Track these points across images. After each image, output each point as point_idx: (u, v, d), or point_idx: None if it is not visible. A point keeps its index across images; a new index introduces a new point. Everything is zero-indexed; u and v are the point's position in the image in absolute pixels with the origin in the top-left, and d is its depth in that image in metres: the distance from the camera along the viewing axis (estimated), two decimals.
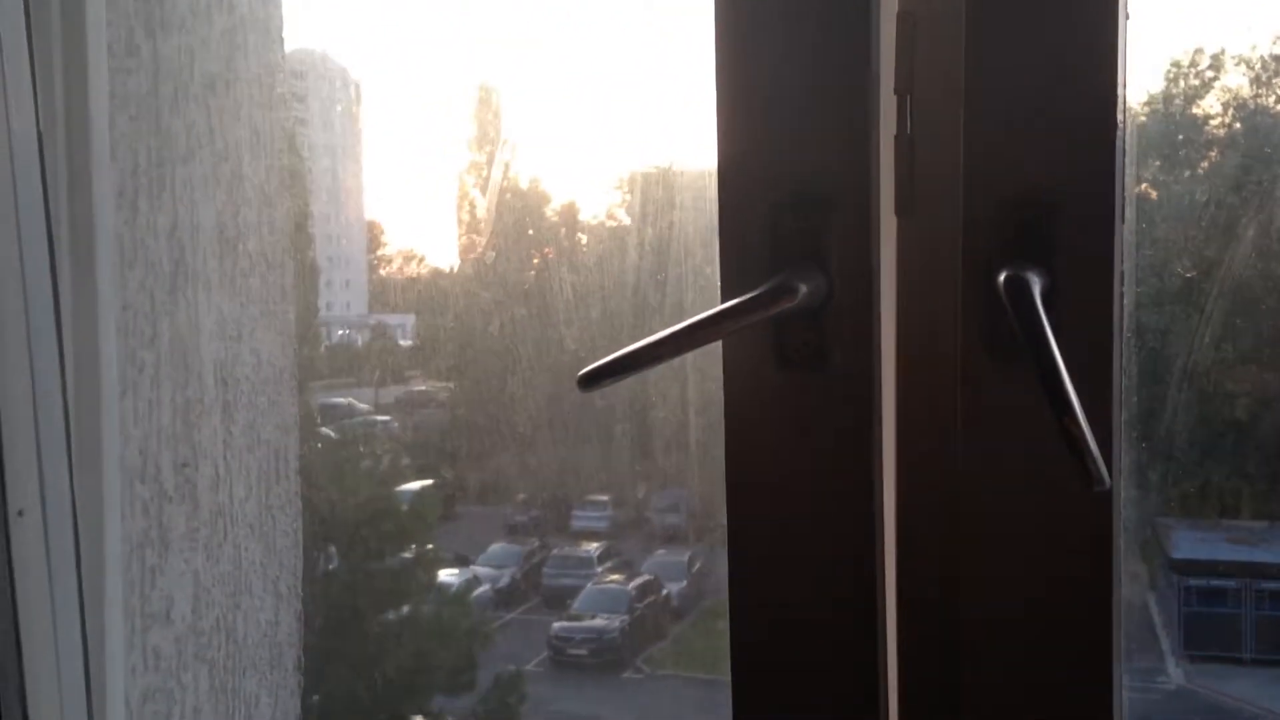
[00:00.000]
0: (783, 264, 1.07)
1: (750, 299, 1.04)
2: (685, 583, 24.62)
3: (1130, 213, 0.97)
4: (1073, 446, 0.85)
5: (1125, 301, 1.01)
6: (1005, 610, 1.03)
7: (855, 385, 1.08)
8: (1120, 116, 0.98)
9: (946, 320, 0.99)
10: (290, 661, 1.46)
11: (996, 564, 1.03)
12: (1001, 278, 0.95)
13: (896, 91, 1.06)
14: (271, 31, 1.39)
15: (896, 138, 1.07)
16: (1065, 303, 1.00)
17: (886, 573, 1.09)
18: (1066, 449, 0.86)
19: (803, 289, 1.05)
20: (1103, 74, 0.98)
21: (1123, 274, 0.99)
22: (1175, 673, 18.72)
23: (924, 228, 1.06)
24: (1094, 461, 0.85)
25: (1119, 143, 0.98)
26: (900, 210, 1.08)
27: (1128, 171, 0.99)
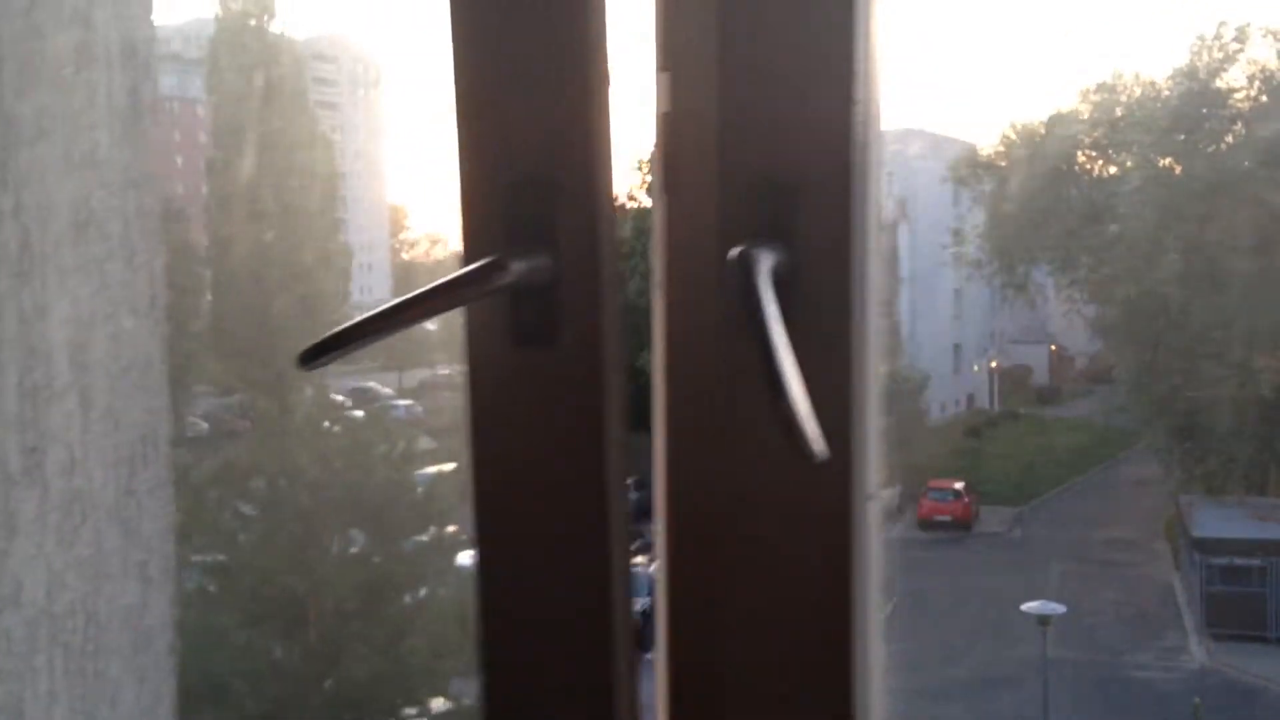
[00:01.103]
0: (517, 242, 1.06)
1: (461, 275, 1.03)
2: None
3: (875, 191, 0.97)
4: (784, 426, 0.83)
5: (874, 279, 1.01)
6: (763, 589, 1.02)
7: (584, 364, 1.08)
8: (862, 100, 0.97)
9: (708, 298, 1.00)
10: (162, 645, 1.46)
11: (752, 544, 1.03)
12: (730, 255, 0.92)
13: (660, 69, 1.04)
14: (134, 4, 1.35)
15: (660, 116, 1.05)
16: (805, 283, 0.98)
17: (615, 550, 1.09)
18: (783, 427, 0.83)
19: (517, 266, 1.04)
20: (840, 60, 0.97)
21: (865, 255, 0.98)
22: (1198, 651, 18.83)
23: (687, 206, 1.04)
24: (805, 439, 0.82)
25: (858, 126, 0.97)
26: (665, 188, 1.06)
27: (871, 154, 0.99)
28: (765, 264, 0.92)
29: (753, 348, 0.87)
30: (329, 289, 12.34)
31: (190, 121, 20.01)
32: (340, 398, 12.97)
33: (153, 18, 1.41)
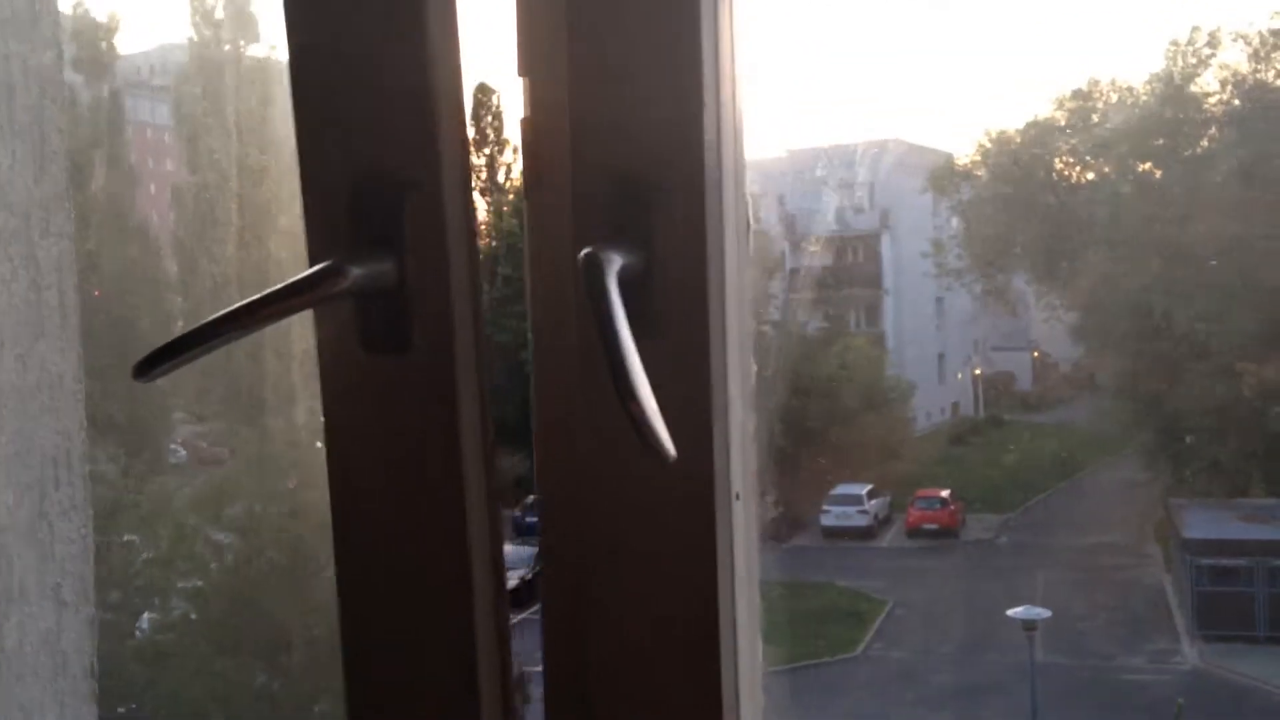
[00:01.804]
0: (362, 245, 1.03)
1: (296, 282, 0.99)
2: None
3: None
4: (635, 427, 0.82)
5: (737, 280, 1.00)
6: (630, 588, 1.02)
7: (436, 371, 1.05)
8: (713, 101, 0.96)
9: (571, 300, 1.00)
10: (79, 668, 1.43)
11: (619, 542, 1.03)
12: (579, 256, 0.91)
13: (520, 74, 1.03)
14: (39, 29, 1.32)
15: (522, 120, 1.04)
16: (660, 284, 0.97)
17: (477, 554, 1.07)
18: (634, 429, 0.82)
19: (356, 271, 1.01)
20: (688, 62, 0.95)
21: (722, 255, 0.97)
22: (1190, 653, 18.90)
23: (550, 209, 1.03)
24: (654, 439, 0.81)
25: (710, 127, 0.96)
26: (528, 192, 1.05)
27: (728, 154, 0.98)
28: (614, 265, 0.91)
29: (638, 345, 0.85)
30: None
31: (159, 148, 20.00)
32: None
33: (61, 44, 1.39)
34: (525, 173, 1.06)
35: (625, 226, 0.98)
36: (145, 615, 10.49)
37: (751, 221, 1.06)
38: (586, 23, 1.00)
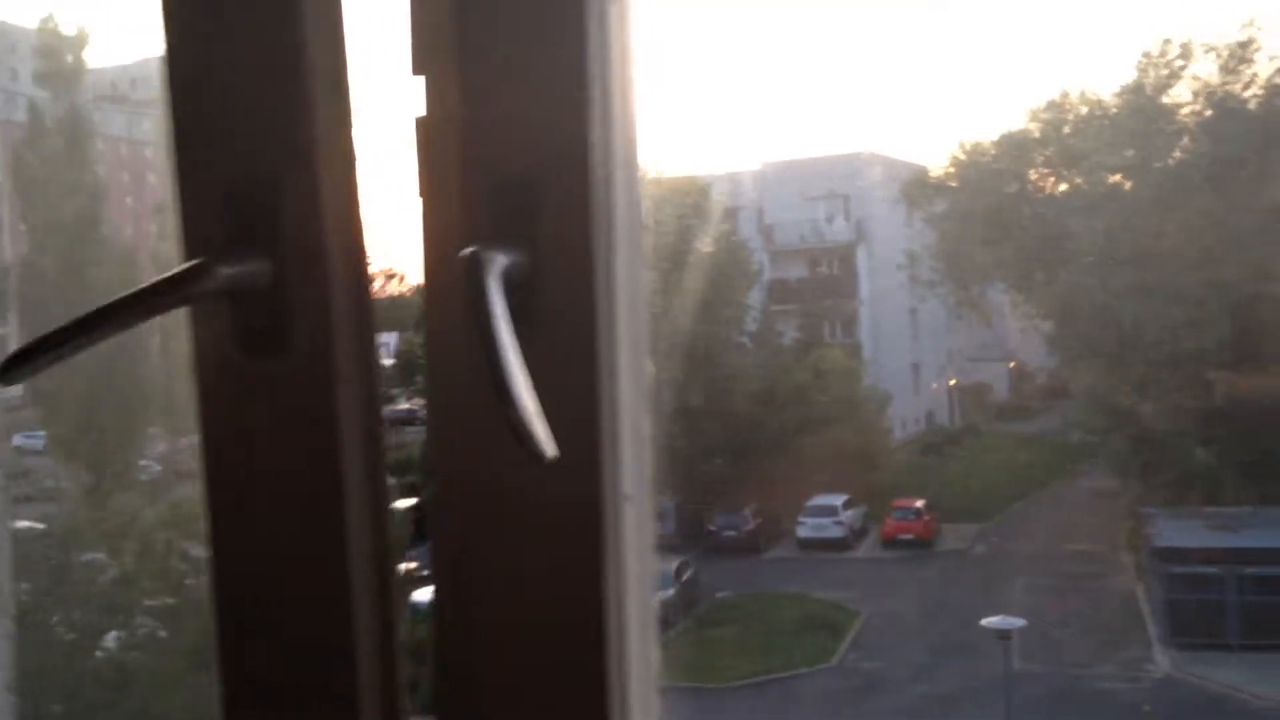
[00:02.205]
0: (237, 244, 1.02)
1: (162, 281, 0.98)
2: (673, 591, 24.75)
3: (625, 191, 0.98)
4: (511, 428, 0.82)
5: (627, 280, 1.00)
6: (519, 589, 1.01)
7: (315, 370, 1.04)
8: (600, 100, 0.97)
9: (460, 301, 0.99)
10: None
11: (508, 544, 1.02)
12: (461, 256, 0.91)
13: (414, 72, 1.03)
14: None
15: (417, 119, 1.04)
16: (547, 284, 0.98)
17: (357, 561, 1.05)
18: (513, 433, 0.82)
19: (226, 271, 1.00)
20: (573, 60, 0.96)
21: (612, 255, 0.98)
22: (1162, 661, 18.91)
23: (442, 209, 1.02)
24: (533, 441, 0.82)
25: (596, 126, 0.97)
26: (421, 192, 1.04)
27: (618, 154, 0.99)
28: (496, 264, 0.91)
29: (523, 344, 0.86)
30: None
31: (139, 164, 19.84)
32: None
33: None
34: (419, 173, 1.04)
35: (511, 226, 0.98)
36: (111, 634, 10.34)
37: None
38: (474, 21, 1.00)
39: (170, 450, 14.24)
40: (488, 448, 0.99)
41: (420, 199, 1.04)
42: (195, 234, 1.04)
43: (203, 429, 1.07)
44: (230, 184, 1.03)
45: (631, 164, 1.00)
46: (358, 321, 1.05)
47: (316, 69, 1.02)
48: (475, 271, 0.90)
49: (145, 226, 16.68)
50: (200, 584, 10.58)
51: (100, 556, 11.22)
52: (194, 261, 0.99)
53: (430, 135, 1.02)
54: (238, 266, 1.00)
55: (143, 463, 16.24)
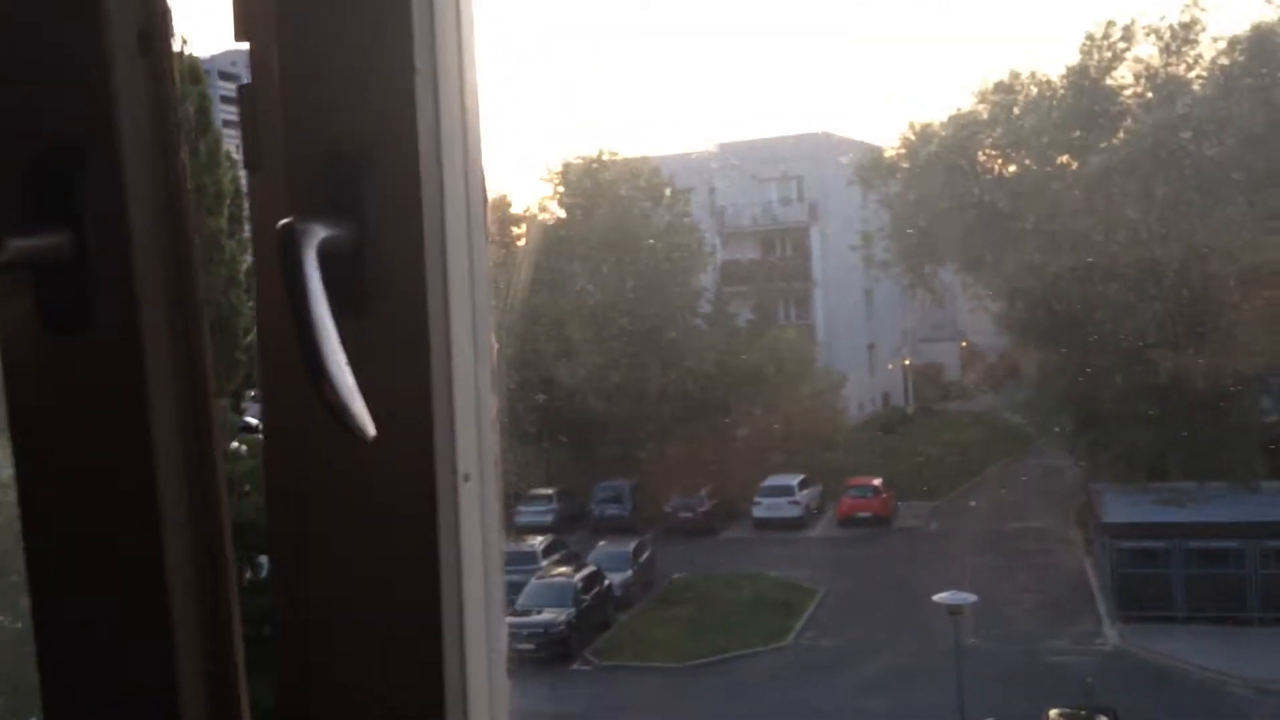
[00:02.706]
0: (35, 218, 0.97)
1: None
2: (630, 573, 24.71)
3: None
4: (326, 406, 0.80)
5: (463, 254, 0.96)
6: (355, 566, 0.99)
7: (121, 347, 1.00)
8: (429, 69, 0.94)
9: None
10: None
11: (342, 523, 0.99)
12: (277, 228, 0.87)
13: (237, 39, 0.99)
14: None
15: (240, 87, 1.00)
16: (375, 259, 0.94)
17: (173, 543, 1.01)
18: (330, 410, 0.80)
19: (18, 244, 0.95)
20: (399, 27, 0.93)
21: (444, 229, 0.94)
22: (1111, 634, 19.22)
23: (270, 182, 0.98)
24: (350, 420, 0.80)
25: (424, 96, 0.93)
26: (248, 163, 1.00)
27: (452, 126, 0.95)
28: (314, 237, 0.87)
29: (349, 325, 0.83)
30: (240, 309, 12.07)
31: None
32: (253, 420, 12.68)
33: None
34: (244, 143, 1.00)
35: (337, 199, 0.93)
36: None
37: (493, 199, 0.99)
38: None
39: None
40: (318, 429, 0.94)
41: (247, 170, 1.00)
42: None
43: (10, 410, 1.01)
44: (29, 157, 0.99)
45: (471, 134, 0.97)
46: (174, 297, 1.01)
47: (115, 29, 0.98)
48: (291, 243, 0.85)
49: None
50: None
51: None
52: None
53: (255, 104, 0.98)
54: (34, 240, 0.96)
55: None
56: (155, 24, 1.00)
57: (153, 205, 0.99)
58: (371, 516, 0.96)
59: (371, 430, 0.81)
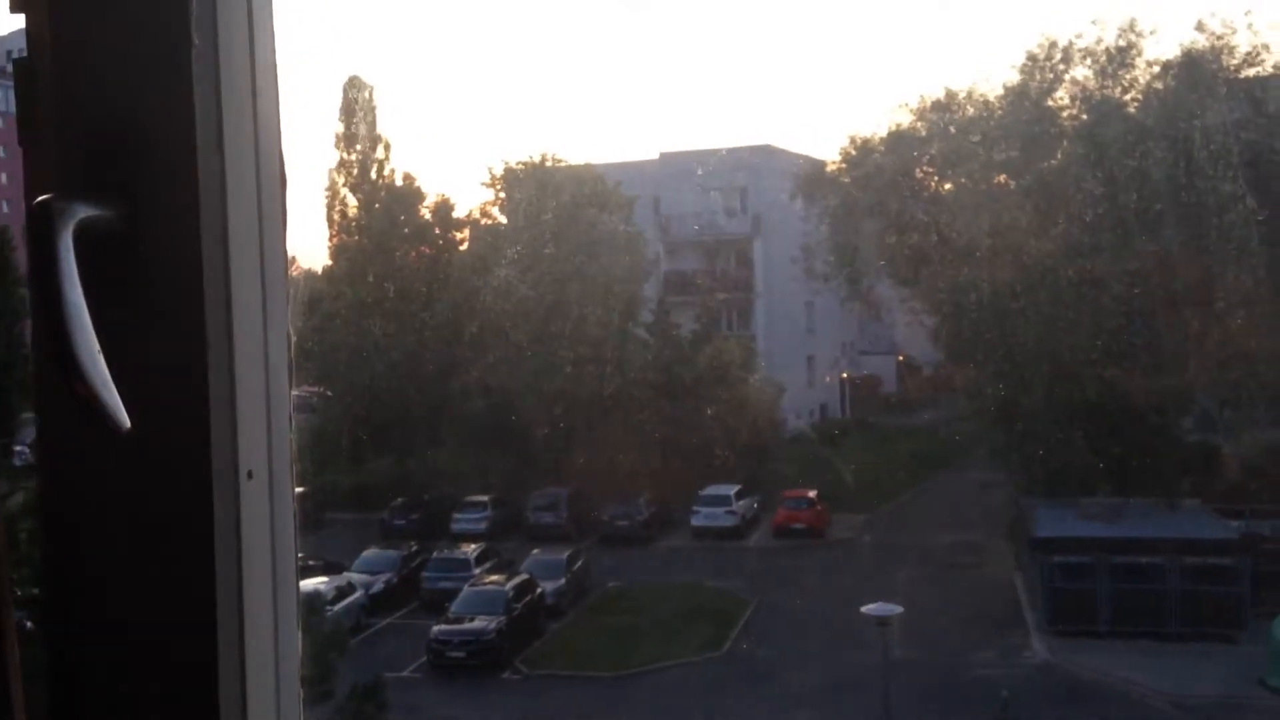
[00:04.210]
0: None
1: None
2: (563, 581, 24.57)
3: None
4: (79, 402, 0.76)
5: (247, 239, 0.93)
6: (131, 563, 0.94)
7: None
8: (207, 44, 0.90)
9: None
10: None
11: (119, 519, 0.95)
12: (30, 206, 0.82)
13: (12, 10, 0.94)
14: None
15: (15, 61, 0.95)
16: (146, 242, 0.89)
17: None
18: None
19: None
20: (177, 3, 0.89)
21: (223, 212, 0.90)
22: (1039, 647, 19.45)
23: (46, 161, 0.93)
24: (105, 412, 0.76)
25: (201, 71, 0.90)
26: (22, 139, 0.96)
27: (236, 103, 0.92)
28: (69, 216, 0.81)
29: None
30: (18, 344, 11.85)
31: (13, 138, 19.05)
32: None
33: None
34: (19, 120, 0.95)
35: (105, 178, 0.88)
36: None
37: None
38: None
39: None
40: (89, 427, 0.88)
41: (21, 148, 0.96)
42: None
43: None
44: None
45: (263, 121, 0.93)
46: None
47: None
48: (42, 222, 0.80)
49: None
50: None
51: None
52: None
53: (29, 78, 0.94)
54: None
55: (17, 448, 15.64)
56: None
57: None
58: (147, 517, 0.91)
59: (126, 422, 0.76)
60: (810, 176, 28.74)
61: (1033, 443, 21.08)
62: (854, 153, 26.67)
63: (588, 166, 29.84)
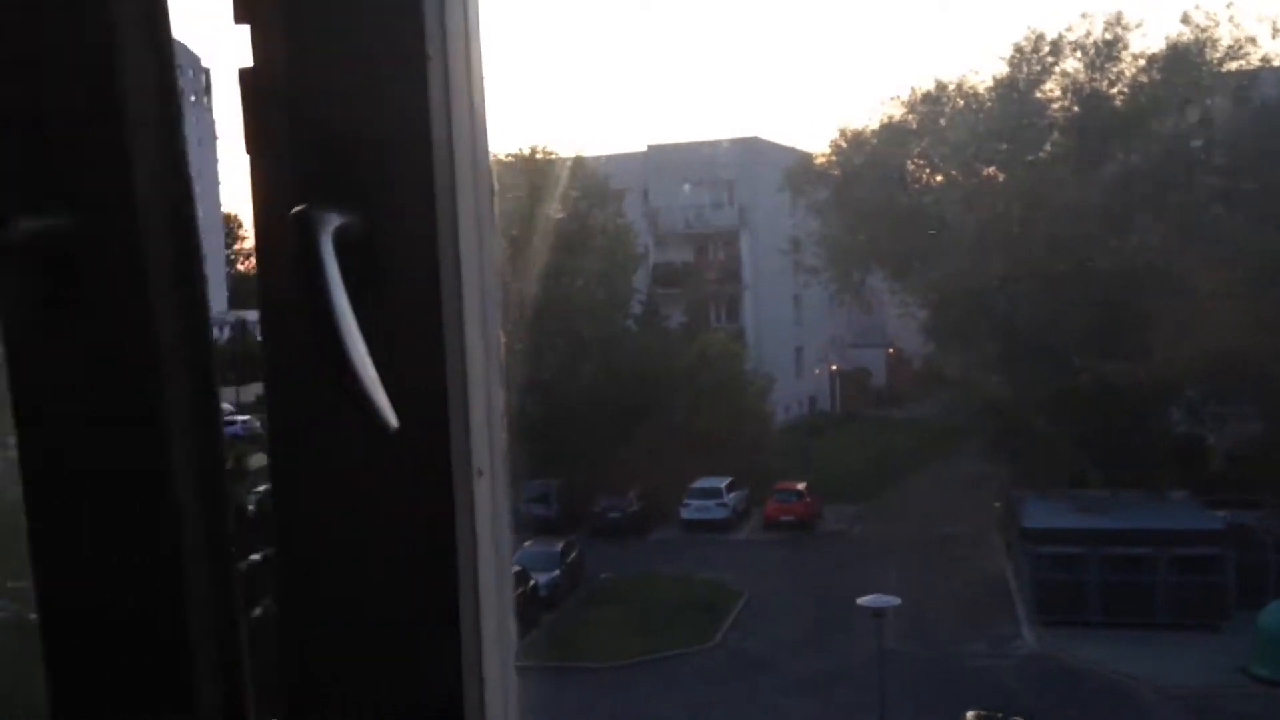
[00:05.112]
0: (40, 200, 0.96)
1: None
2: (557, 573, 24.67)
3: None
4: (350, 399, 0.80)
5: (474, 244, 0.96)
6: (368, 561, 0.97)
7: (121, 328, 0.98)
8: (440, 55, 0.93)
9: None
10: None
11: (355, 515, 0.97)
12: (290, 216, 0.86)
13: (237, 21, 0.97)
14: None
15: (241, 71, 0.98)
16: (385, 248, 0.93)
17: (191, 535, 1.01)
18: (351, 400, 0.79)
19: (23, 226, 0.95)
20: (410, 14, 0.92)
21: (455, 219, 0.93)
22: (1029, 637, 19.62)
23: (273, 167, 0.97)
24: (374, 411, 0.79)
25: (436, 82, 0.93)
26: (250, 148, 0.98)
27: (461, 112, 0.94)
28: (329, 225, 0.85)
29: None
30: None
31: None
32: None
33: None
34: (246, 129, 0.97)
35: (347, 186, 0.92)
36: None
37: (493, 191, 0.97)
38: None
39: None
40: (329, 421, 0.94)
41: (249, 156, 0.98)
42: None
43: (14, 393, 0.99)
44: (35, 136, 0.97)
45: (478, 121, 0.96)
46: (176, 278, 1.01)
47: (118, 11, 0.96)
48: (306, 231, 0.84)
49: None
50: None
51: None
52: None
53: (257, 88, 0.96)
54: (40, 221, 0.95)
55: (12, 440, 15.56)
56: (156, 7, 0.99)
57: (156, 187, 0.98)
58: (386, 512, 0.94)
59: (394, 422, 0.80)
60: (798, 169, 28.76)
61: (1023, 434, 21.19)
62: (844, 145, 26.70)
63: (576, 159, 29.84)
